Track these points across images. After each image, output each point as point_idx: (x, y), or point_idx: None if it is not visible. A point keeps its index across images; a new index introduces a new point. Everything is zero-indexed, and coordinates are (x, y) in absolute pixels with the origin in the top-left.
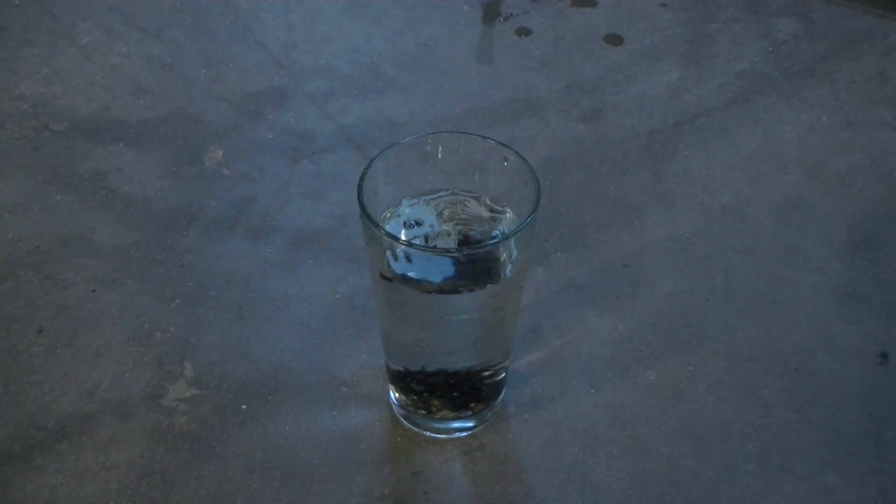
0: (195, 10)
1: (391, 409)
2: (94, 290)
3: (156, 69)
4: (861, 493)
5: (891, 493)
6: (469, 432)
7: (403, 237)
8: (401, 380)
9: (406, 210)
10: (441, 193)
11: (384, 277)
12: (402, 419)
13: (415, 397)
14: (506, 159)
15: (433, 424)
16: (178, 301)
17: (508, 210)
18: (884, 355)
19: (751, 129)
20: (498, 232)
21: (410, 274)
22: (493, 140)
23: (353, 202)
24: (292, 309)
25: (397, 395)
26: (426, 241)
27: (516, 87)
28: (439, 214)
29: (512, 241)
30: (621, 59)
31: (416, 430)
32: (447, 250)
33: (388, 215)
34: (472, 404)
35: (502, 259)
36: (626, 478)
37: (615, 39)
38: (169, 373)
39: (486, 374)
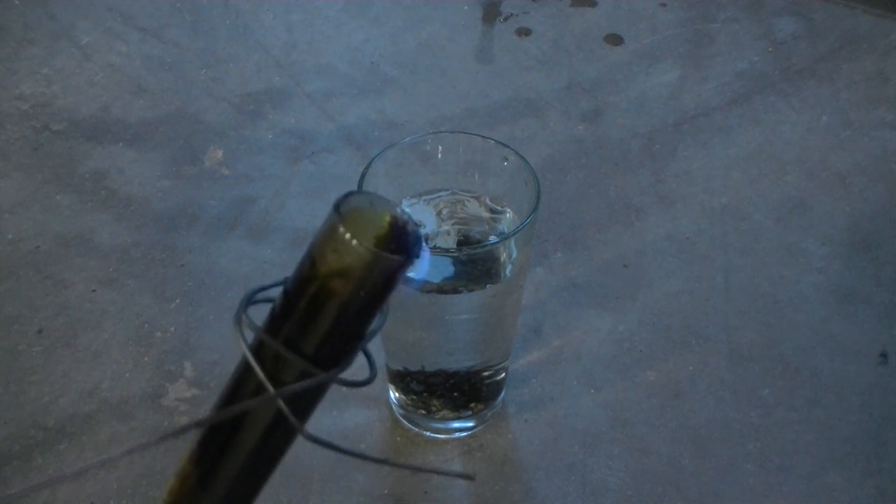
0: (195, 10)
1: (391, 409)
2: (94, 290)
3: (156, 69)
4: (861, 493)
5: (891, 493)
6: (469, 432)
7: None
8: (401, 380)
9: (406, 210)
10: (441, 193)
11: None
12: (402, 419)
13: (415, 397)
14: (506, 159)
15: (433, 424)
16: (178, 301)
17: (508, 210)
18: (884, 355)
19: (751, 129)
20: (498, 232)
21: (410, 274)
22: (493, 140)
23: None
24: None
25: (397, 395)
26: (426, 242)
27: (516, 87)
28: (438, 214)
29: (512, 241)
30: (621, 59)
31: (416, 430)
32: (447, 250)
33: None
34: (472, 404)
35: (502, 259)
36: (625, 478)
37: (615, 39)
38: (169, 373)
39: (486, 374)
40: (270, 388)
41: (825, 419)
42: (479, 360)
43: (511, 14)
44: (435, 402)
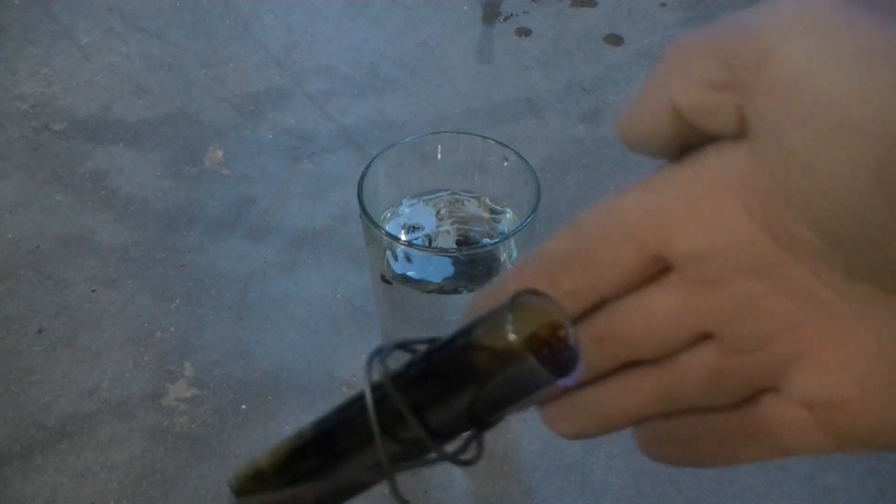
0: (195, 10)
1: None
2: (94, 290)
3: (156, 69)
4: (861, 493)
5: (891, 492)
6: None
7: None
8: None
9: (406, 210)
10: (441, 193)
11: (384, 280)
12: None
13: None
14: (506, 159)
15: None
16: (178, 301)
17: (508, 210)
18: None
19: None
20: (498, 232)
21: (410, 274)
22: (493, 140)
23: (353, 202)
24: (292, 309)
25: None
26: (428, 243)
27: (516, 87)
28: (438, 214)
29: (512, 241)
30: (621, 59)
31: None
32: (447, 250)
33: (389, 215)
34: None
35: (502, 259)
36: (625, 478)
37: (615, 39)
38: (169, 373)
39: None
40: (385, 461)
41: None
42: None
43: (511, 14)
44: None
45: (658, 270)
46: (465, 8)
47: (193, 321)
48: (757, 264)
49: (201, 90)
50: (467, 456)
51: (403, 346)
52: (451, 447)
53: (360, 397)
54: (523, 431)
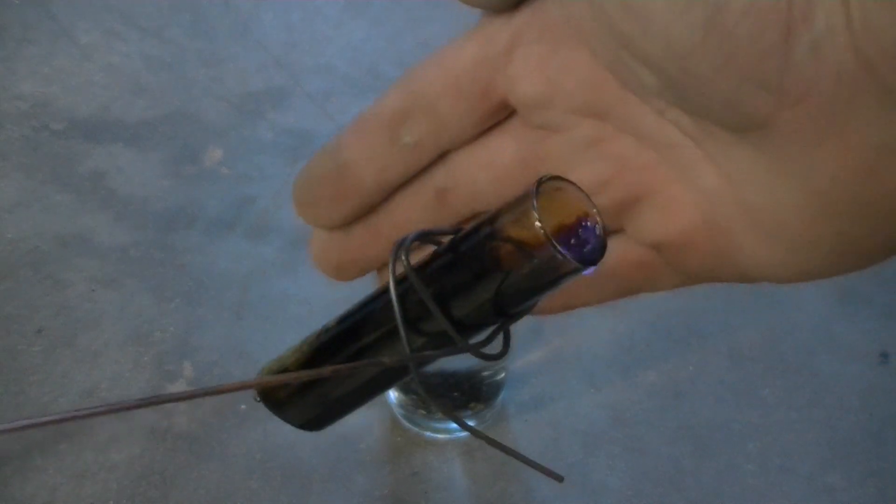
0: (195, 10)
1: (391, 409)
2: (93, 290)
3: (156, 69)
4: (861, 493)
5: (891, 493)
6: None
7: None
8: None
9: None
10: None
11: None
12: (401, 419)
13: (414, 397)
14: None
15: (433, 424)
16: (177, 301)
17: None
18: (884, 355)
19: None
20: None
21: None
22: None
23: None
24: (292, 309)
25: (397, 395)
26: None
27: None
28: None
29: None
30: None
31: (416, 430)
32: None
33: None
34: (472, 404)
35: None
36: (626, 478)
37: None
38: (168, 373)
39: (485, 373)
40: (407, 349)
41: (825, 419)
42: (479, 359)
43: None
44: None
45: (501, 118)
46: (466, 8)
47: (193, 321)
48: (601, 105)
49: (201, 90)
50: (492, 350)
51: (427, 236)
52: (475, 340)
53: (384, 291)
54: (523, 431)
